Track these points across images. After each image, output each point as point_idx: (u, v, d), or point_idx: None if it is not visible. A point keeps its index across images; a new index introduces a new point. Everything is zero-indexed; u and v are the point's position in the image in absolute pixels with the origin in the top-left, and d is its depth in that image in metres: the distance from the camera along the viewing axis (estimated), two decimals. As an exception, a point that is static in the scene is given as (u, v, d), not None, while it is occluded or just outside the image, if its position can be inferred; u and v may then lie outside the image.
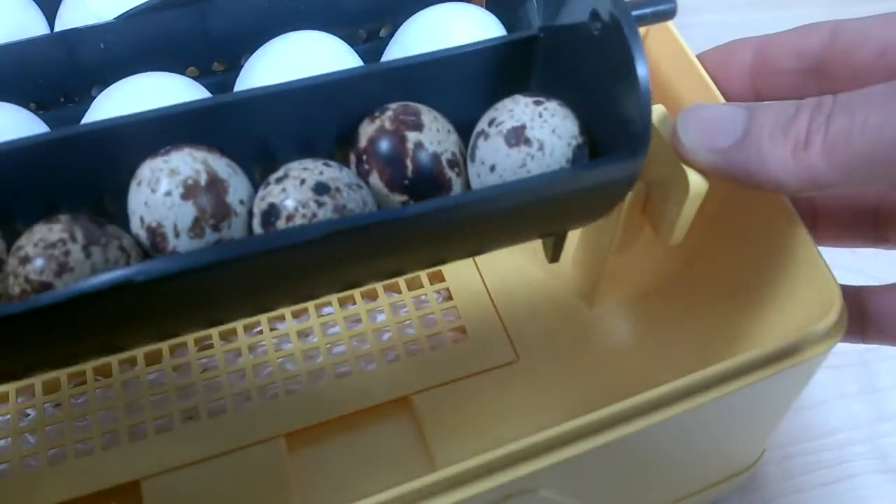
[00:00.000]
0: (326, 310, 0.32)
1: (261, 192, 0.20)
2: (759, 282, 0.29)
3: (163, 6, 0.27)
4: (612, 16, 0.20)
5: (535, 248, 0.27)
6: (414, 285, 0.33)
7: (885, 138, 0.20)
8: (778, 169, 0.22)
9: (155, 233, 0.19)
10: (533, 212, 0.21)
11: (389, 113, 0.21)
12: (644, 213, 0.27)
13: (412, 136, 0.21)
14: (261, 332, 0.32)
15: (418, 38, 0.27)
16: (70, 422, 0.29)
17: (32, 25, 0.29)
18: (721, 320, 0.29)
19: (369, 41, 0.29)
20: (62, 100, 0.28)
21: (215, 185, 0.19)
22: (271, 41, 0.27)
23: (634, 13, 0.21)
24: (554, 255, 0.25)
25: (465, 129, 0.23)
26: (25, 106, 0.26)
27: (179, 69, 0.27)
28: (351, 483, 0.28)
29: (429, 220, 0.19)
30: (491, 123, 0.21)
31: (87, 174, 0.21)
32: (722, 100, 0.29)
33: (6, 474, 0.28)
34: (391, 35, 0.28)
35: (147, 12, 0.27)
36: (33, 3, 0.29)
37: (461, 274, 0.33)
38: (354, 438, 0.29)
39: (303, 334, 0.32)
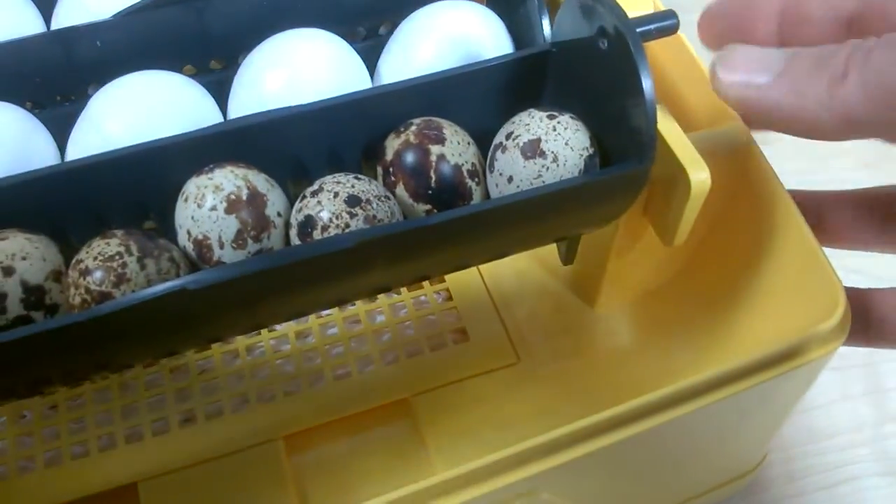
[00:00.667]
0: (325, 311, 0.32)
1: (297, 205, 0.22)
2: (762, 283, 0.29)
3: (160, 4, 0.27)
4: (618, 32, 0.21)
5: (536, 249, 0.27)
6: (414, 286, 0.33)
7: None
8: (813, 103, 0.21)
9: (201, 244, 0.21)
10: (548, 218, 0.23)
11: (413, 128, 0.23)
12: (646, 214, 0.27)
13: (435, 149, 0.22)
14: (259, 333, 0.31)
15: (418, 35, 0.27)
16: (66, 424, 0.29)
17: (29, 24, 0.28)
18: (724, 322, 0.29)
19: (368, 39, 0.29)
20: (58, 98, 0.27)
21: (255, 200, 0.21)
22: (269, 39, 0.27)
23: (639, 29, 0.22)
24: (568, 257, 0.26)
25: (483, 139, 0.24)
26: (22, 105, 0.26)
27: (177, 67, 0.27)
28: (350, 486, 0.28)
29: (453, 228, 0.21)
30: (508, 137, 0.22)
31: (134, 190, 0.22)
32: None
33: (2, 477, 0.28)
34: (390, 33, 0.28)
35: (144, 10, 0.27)
36: (30, 1, 0.29)
37: (461, 275, 0.33)
38: (354, 441, 0.29)
39: (301, 335, 0.32)
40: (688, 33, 0.31)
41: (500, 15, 0.28)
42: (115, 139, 0.25)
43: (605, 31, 0.21)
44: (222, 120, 0.27)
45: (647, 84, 0.21)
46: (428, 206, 0.22)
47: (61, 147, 0.26)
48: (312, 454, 0.29)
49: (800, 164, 0.40)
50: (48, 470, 0.28)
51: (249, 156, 0.22)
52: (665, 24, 0.23)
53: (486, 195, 0.23)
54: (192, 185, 0.21)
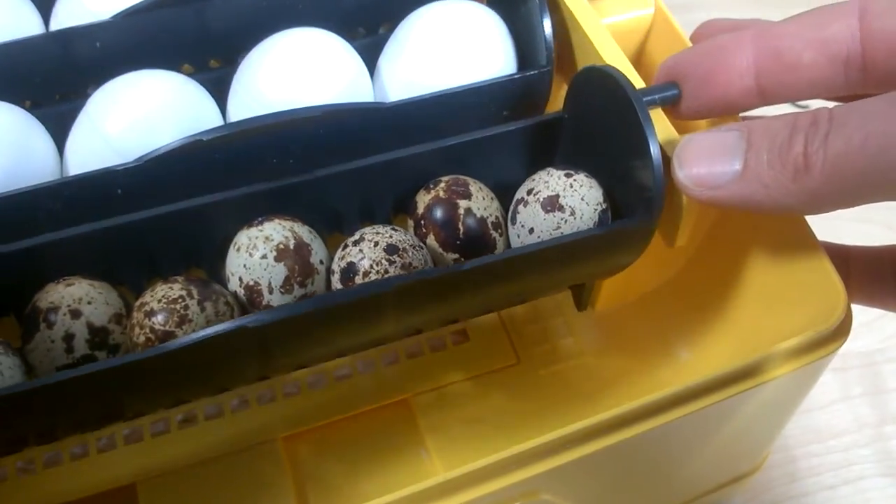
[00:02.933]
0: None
1: (339, 253, 0.24)
2: (764, 283, 0.29)
3: (160, 5, 0.27)
4: (627, 102, 0.23)
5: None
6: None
7: (889, 152, 0.19)
8: (781, 196, 0.21)
9: (252, 290, 0.23)
10: (566, 265, 0.25)
11: (443, 184, 0.25)
12: None
13: (463, 204, 0.24)
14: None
15: (418, 34, 0.27)
16: (66, 424, 0.29)
17: (28, 24, 0.28)
18: (725, 322, 0.29)
19: (368, 37, 0.29)
20: (57, 97, 0.27)
21: (301, 249, 0.23)
22: (269, 38, 0.27)
23: (645, 99, 0.24)
24: (581, 303, 0.28)
25: (502, 194, 0.26)
26: (20, 103, 0.26)
27: (175, 65, 0.27)
28: (349, 486, 0.28)
29: (483, 273, 0.23)
30: (530, 193, 0.25)
31: (186, 239, 0.24)
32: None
33: (2, 477, 0.28)
34: (390, 32, 0.28)
35: (143, 10, 0.27)
36: (29, 1, 0.29)
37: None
38: (353, 441, 0.29)
39: (302, 336, 0.31)
40: (690, 33, 0.30)
41: (500, 15, 0.28)
42: (114, 139, 0.25)
43: (615, 101, 0.24)
44: (221, 119, 0.27)
45: (654, 149, 0.23)
46: (456, 255, 0.24)
47: (60, 146, 0.26)
48: (312, 454, 0.28)
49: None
50: (48, 470, 0.28)
51: (290, 209, 0.24)
52: (667, 94, 0.25)
53: (508, 245, 0.25)
54: (244, 237, 0.23)
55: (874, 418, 0.40)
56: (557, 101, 0.28)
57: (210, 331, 0.21)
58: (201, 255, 0.25)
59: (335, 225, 0.26)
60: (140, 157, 0.24)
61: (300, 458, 0.28)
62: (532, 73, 0.26)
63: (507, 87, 0.27)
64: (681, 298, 0.30)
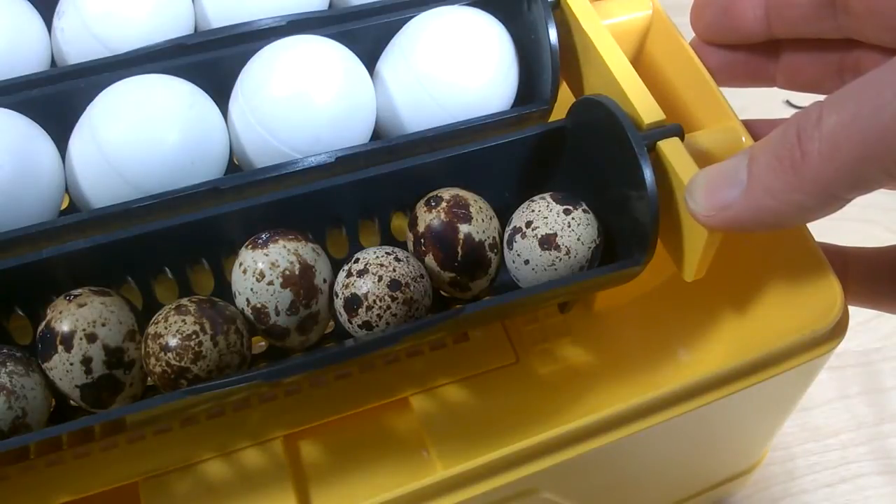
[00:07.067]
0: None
1: (344, 280, 0.25)
2: (761, 283, 0.29)
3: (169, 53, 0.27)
4: (627, 142, 0.24)
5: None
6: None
7: (884, 120, 0.19)
8: (787, 194, 0.21)
9: (260, 311, 0.24)
10: (557, 299, 0.27)
11: (444, 204, 0.25)
12: (664, 246, 0.27)
13: (463, 228, 0.25)
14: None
15: (418, 39, 0.27)
16: (68, 424, 0.29)
17: (28, 26, 0.29)
18: (723, 321, 0.29)
19: (369, 42, 0.29)
20: (59, 103, 0.27)
21: (306, 273, 0.24)
22: (270, 45, 0.27)
23: (645, 143, 0.24)
24: (565, 308, 0.29)
25: (503, 204, 0.27)
26: (23, 111, 0.26)
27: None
28: (350, 485, 0.28)
29: (479, 315, 0.25)
30: (528, 225, 0.25)
31: (192, 244, 0.25)
32: (720, 95, 0.29)
33: (3, 476, 0.28)
34: (391, 36, 0.28)
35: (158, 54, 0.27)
36: (32, 7, 0.29)
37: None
38: (353, 440, 0.29)
39: (302, 335, 0.32)
40: (688, 34, 0.31)
41: (503, 21, 0.28)
42: (110, 147, 0.25)
43: (615, 140, 0.24)
44: (223, 124, 0.27)
45: (651, 189, 0.24)
46: (453, 274, 0.25)
47: (62, 149, 0.26)
48: (312, 454, 0.29)
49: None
50: (49, 469, 0.28)
51: (293, 215, 0.25)
52: (668, 132, 0.25)
53: (502, 263, 0.26)
54: (249, 259, 0.24)
55: (871, 417, 0.40)
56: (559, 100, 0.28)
57: (229, 380, 0.23)
58: (207, 256, 0.26)
59: (335, 223, 0.26)
60: (159, 195, 0.25)
61: (300, 458, 0.28)
62: (535, 109, 0.27)
63: (510, 120, 0.27)
64: (679, 298, 0.30)
